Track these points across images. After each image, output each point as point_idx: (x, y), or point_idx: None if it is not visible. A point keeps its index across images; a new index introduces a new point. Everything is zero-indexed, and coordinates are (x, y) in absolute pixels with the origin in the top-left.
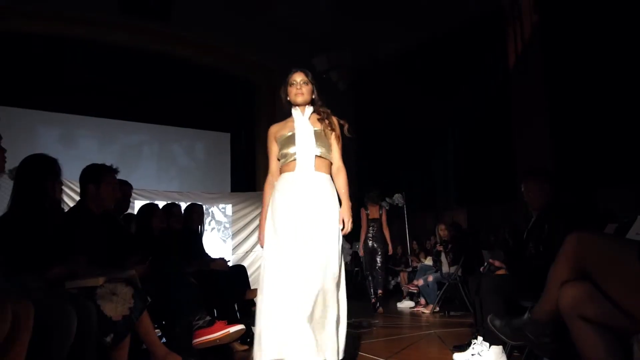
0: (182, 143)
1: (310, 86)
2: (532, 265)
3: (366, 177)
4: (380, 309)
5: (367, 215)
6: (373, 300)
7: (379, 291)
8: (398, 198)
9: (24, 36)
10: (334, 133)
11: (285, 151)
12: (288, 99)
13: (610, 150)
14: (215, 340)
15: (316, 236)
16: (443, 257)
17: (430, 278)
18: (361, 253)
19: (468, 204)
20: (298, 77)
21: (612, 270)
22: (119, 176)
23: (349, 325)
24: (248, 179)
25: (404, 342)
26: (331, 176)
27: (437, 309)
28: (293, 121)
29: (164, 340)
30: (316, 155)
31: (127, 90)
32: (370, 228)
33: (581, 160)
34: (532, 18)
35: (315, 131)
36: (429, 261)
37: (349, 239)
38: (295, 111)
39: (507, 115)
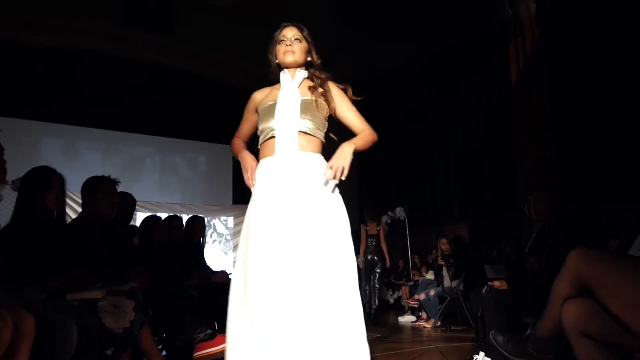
0: (185, 155)
1: (304, 44)
2: (534, 280)
3: (368, 191)
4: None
5: (367, 231)
6: (375, 308)
7: (375, 305)
8: (400, 212)
9: (27, 48)
10: (329, 103)
11: (263, 125)
12: (277, 60)
13: (613, 165)
14: (216, 353)
15: (314, 245)
16: (444, 271)
17: (432, 292)
18: (360, 266)
19: (470, 217)
20: (289, 32)
21: (614, 287)
22: (121, 188)
23: None
24: (249, 191)
25: (405, 357)
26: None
27: (439, 323)
28: (279, 88)
29: (164, 353)
30: (300, 132)
31: (129, 102)
32: (369, 243)
33: (583, 174)
34: (533, 32)
35: (303, 101)
36: (430, 275)
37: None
38: (284, 75)
39: (508, 129)
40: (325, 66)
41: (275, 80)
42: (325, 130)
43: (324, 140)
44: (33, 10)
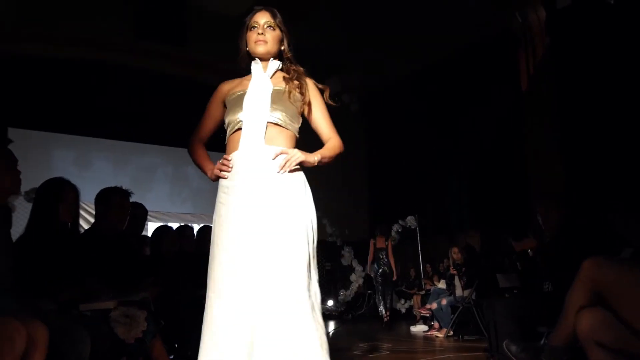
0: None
1: (277, 32)
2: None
3: (378, 199)
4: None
5: (375, 244)
6: (386, 319)
7: (386, 314)
8: (411, 220)
9: (39, 60)
10: (304, 97)
11: (229, 117)
12: (247, 49)
13: (624, 173)
14: None
15: (267, 252)
16: (456, 281)
17: (444, 301)
18: (371, 273)
19: (482, 226)
20: (261, 18)
21: (629, 296)
22: (133, 198)
23: (362, 348)
24: None
25: None
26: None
27: (451, 333)
28: (250, 79)
29: None
30: (270, 123)
31: (141, 113)
32: (381, 256)
33: (595, 182)
34: (543, 40)
35: (275, 90)
36: (442, 284)
37: (362, 262)
38: (256, 65)
39: (519, 138)
40: (334, 74)
41: (245, 70)
42: (299, 125)
43: (297, 135)
44: (45, 23)
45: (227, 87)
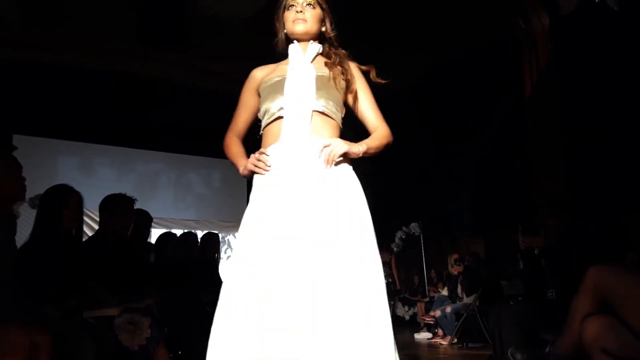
0: (199, 171)
1: (318, 11)
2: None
3: (382, 206)
4: None
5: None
6: None
7: None
8: (414, 227)
9: (43, 66)
10: (349, 84)
11: (267, 105)
12: (285, 31)
13: (629, 180)
14: None
15: (330, 246)
16: (459, 289)
17: (448, 309)
18: None
19: (485, 232)
20: None
21: (635, 302)
22: (137, 205)
23: None
24: None
25: None
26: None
27: (455, 340)
28: (288, 64)
29: None
30: (314, 111)
31: (144, 119)
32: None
33: (599, 188)
34: (547, 47)
35: (318, 76)
36: (446, 291)
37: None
38: (294, 47)
39: (523, 144)
40: None
41: (281, 56)
42: (343, 114)
43: (341, 126)
44: (49, 29)
45: (262, 73)
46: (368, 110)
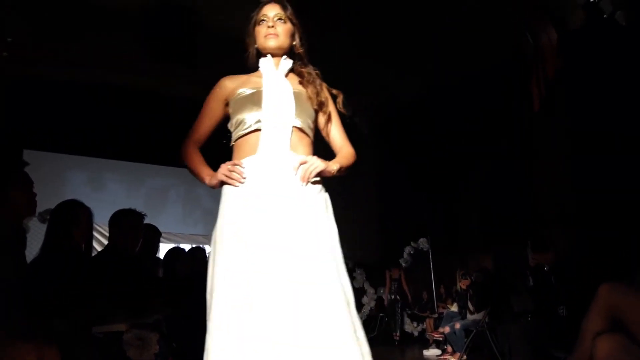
0: (208, 187)
1: (289, 26)
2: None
3: (390, 221)
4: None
5: (391, 275)
6: (396, 337)
7: (397, 334)
8: (423, 242)
9: (52, 82)
10: (323, 104)
11: (242, 116)
12: (256, 45)
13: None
14: None
15: (301, 269)
16: (469, 304)
17: (457, 325)
18: (385, 303)
19: (494, 248)
20: (271, 10)
21: None
22: (146, 219)
23: None
24: None
25: None
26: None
27: (465, 357)
28: (261, 76)
29: None
30: (294, 127)
31: (154, 134)
32: (392, 285)
33: (607, 204)
34: (555, 61)
35: (296, 93)
36: (455, 307)
37: (374, 284)
38: (265, 62)
39: (532, 159)
40: (347, 95)
41: (251, 70)
42: (313, 128)
43: (311, 141)
44: (59, 45)
45: (233, 84)
46: (336, 132)
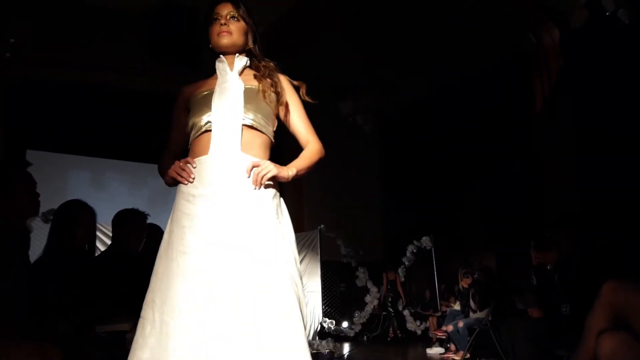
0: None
1: (242, 24)
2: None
3: (393, 220)
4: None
5: (387, 277)
6: (391, 335)
7: (391, 332)
8: (426, 241)
9: (55, 83)
10: (279, 96)
11: (194, 119)
12: (210, 45)
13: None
14: None
15: (241, 273)
16: (472, 303)
17: (461, 324)
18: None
19: (497, 246)
20: (223, 9)
21: None
22: (148, 219)
23: None
24: None
25: None
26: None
27: (468, 355)
28: (216, 78)
29: None
30: (244, 125)
31: (156, 134)
32: (388, 287)
33: (612, 204)
34: (557, 61)
35: (247, 89)
36: (458, 306)
37: (377, 283)
38: (220, 63)
39: (535, 158)
40: (348, 95)
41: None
42: (274, 128)
43: (273, 140)
44: (60, 47)
45: (189, 90)
46: (299, 124)
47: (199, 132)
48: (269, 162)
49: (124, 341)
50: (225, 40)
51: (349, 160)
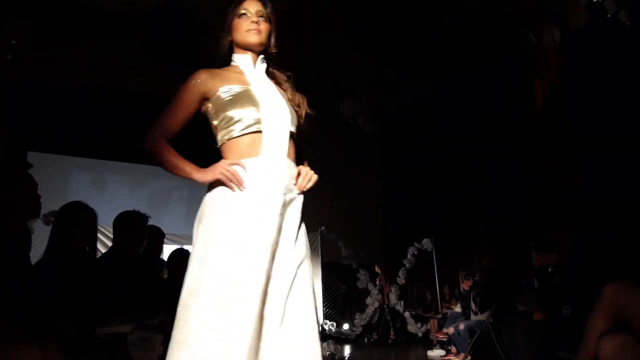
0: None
1: (269, 25)
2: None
3: (394, 222)
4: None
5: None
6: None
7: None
8: (427, 243)
9: (55, 84)
10: (300, 110)
11: (236, 115)
12: (230, 38)
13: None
14: None
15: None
16: (472, 305)
17: (462, 326)
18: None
19: (498, 248)
20: (252, 6)
21: None
22: (149, 221)
23: None
24: None
25: None
26: None
27: (469, 357)
28: (240, 73)
29: None
30: (290, 132)
31: None
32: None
33: (613, 204)
34: (558, 62)
35: (282, 94)
36: (459, 308)
37: (377, 285)
38: (244, 58)
39: (534, 159)
40: (348, 96)
41: (222, 64)
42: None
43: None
44: (61, 48)
45: (211, 79)
46: (300, 142)
47: (247, 131)
48: (309, 168)
49: (125, 343)
50: (255, 38)
51: (349, 161)
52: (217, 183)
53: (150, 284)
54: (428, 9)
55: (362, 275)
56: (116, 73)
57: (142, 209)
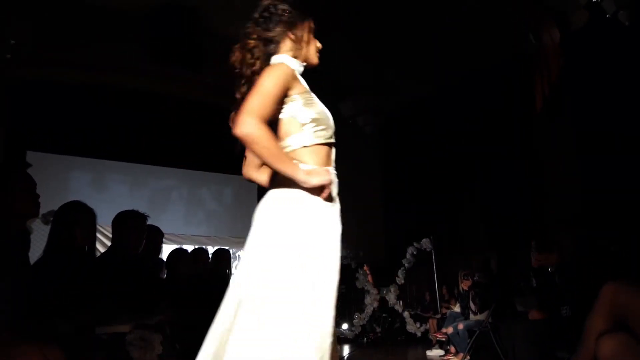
0: (211, 187)
1: None
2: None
3: (393, 221)
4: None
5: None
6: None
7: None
8: (426, 243)
9: (55, 83)
10: None
11: (325, 122)
12: (304, 50)
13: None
14: None
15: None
16: (471, 305)
17: (461, 326)
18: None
19: (498, 248)
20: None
21: None
22: (149, 221)
23: None
24: None
25: None
26: None
27: (468, 357)
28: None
29: None
30: None
31: (156, 136)
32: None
33: (613, 205)
34: (558, 62)
35: None
36: (458, 308)
37: (377, 285)
38: (301, 69)
39: (534, 159)
40: (349, 96)
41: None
42: None
43: None
44: (61, 47)
45: (295, 77)
46: None
47: (324, 141)
48: None
49: (124, 343)
50: (317, 62)
51: (349, 161)
52: (294, 184)
53: (150, 284)
54: (428, 9)
55: (361, 275)
56: (116, 73)
57: (142, 208)
